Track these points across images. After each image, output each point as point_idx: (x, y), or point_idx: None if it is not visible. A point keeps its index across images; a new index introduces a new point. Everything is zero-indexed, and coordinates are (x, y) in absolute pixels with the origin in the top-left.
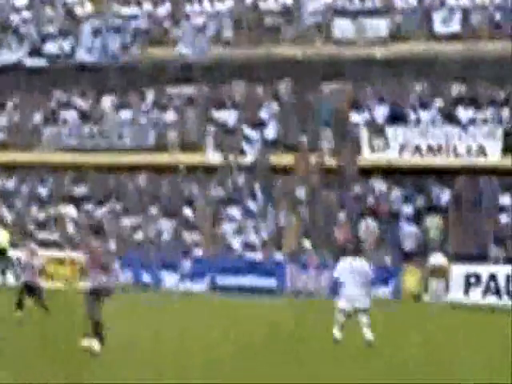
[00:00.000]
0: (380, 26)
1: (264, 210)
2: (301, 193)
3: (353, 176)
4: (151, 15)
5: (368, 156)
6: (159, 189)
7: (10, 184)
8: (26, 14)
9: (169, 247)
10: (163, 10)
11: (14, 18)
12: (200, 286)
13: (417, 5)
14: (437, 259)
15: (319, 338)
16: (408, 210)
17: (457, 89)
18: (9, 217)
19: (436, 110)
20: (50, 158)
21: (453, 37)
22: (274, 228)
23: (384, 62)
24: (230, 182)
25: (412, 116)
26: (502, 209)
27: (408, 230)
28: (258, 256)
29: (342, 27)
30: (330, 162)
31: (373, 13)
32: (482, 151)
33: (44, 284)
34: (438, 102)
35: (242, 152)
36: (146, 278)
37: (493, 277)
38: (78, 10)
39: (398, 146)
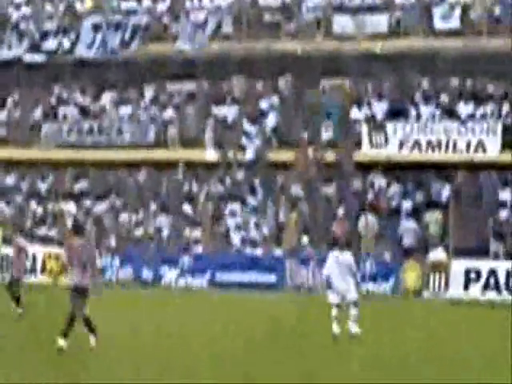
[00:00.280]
0: (380, 22)
1: (264, 206)
2: (300, 188)
3: (350, 171)
4: (151, 11)
5: (368, 151)
6: (159, 185)
7: (10, 180)
8: (26, 10)
9: (169, 243)
10: (163, 5)
11: (14, 14)
12: (200, 282)
13: (416, 0)
14: (437, 255)
15: (319, 333)
16: (408, 205)
17: (456, 84)
18: (7, 213)
19: (435, 106)
20: (50, 154)
21: (452, 32)
22: (274, 224)
23: (384, 58)
24: (229, 178)
25: (412, 111)
26: (502, 204)
27: (408, 225)
28: (257, 252)
29: (342, 23)
30: (329, 156)
31: (372, 8)
32: (481, 146)
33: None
34: (438, 98)
35: (242, 148)
36: (146, 273)
37: (493, 272)
38: (78, 6)
39: (398, 142)
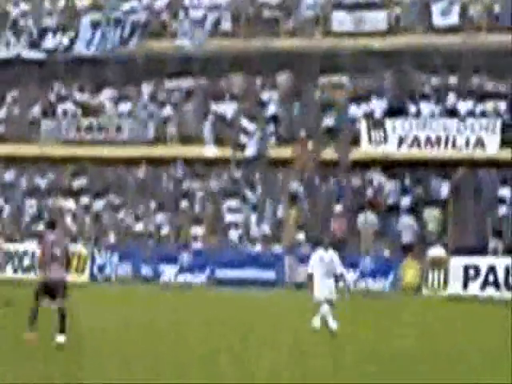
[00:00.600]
0: (378, 19)
1: (263, 203)
2: (299, 185)
3: (346, 168)
4: (150, 8)
5: (367, 148)
6: (158, 182)
7: (9, 176)
8: (25, 7)
9: (168, 240)
10: (162, 2)
11: (13, 11)
12: (199, 279)
13: None
14: (436, 251)
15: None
16: (407, 202)
17: (455, 81)
18: (6, 209)
19: (434, 103)
20: (49, 151)
21: (451, 29)
22: (273, 221)
23: (383, 55)
24: (228, 175)
25: (411, 108)
26: (501, 201)
27: (407, 222)
28: (256, 248)
29: (341, 20)
30: (327, 154)
31: (371, 5)
32: (480, 143)
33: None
34: (437, 95)
35: (241, 145)
36: (146, 270)
37: (492, 269)
38: (77, 3)
39: (397, 139)
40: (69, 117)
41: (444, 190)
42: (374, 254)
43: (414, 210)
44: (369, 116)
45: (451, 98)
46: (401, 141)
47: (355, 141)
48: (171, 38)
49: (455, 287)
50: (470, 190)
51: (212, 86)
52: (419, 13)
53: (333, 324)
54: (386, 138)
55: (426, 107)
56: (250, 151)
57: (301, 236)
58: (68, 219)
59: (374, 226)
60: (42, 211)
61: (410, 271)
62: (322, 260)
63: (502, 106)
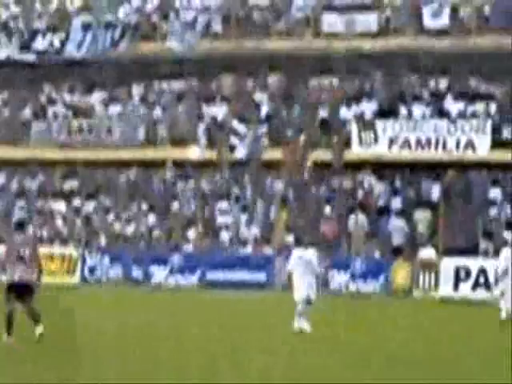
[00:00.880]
0: (369, 21)
1: (254, 205)
2: (289, 187)
3: (339, 170)
4: (140, 10)
5: (357, 150)
6: (149, 184)
7: (0, 179)
8: (16, 10)
9: (158, 242)
10: (152, 4)
11: (3, 14)
12: (190, 281)
13: None
14: (426, 253)
15: (310, 332)
16: (397, 204)
17: (446, 83)
18: None
19: (425, 104)
20: (39, 154)
21: (442, 31)
22: (264, 223)
23: (373, 56)
24: (219, 177)
25: (401, 110)
26: (491, 202)
27: (398, 224)
28: (247, 250)
29: (331, 21)
30: (318, 155)
31: (362, 7)
32: (471, 145)
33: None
34: (428, 96)
35: (232, 146)
36: (136, 272)
37: (482, 271)
38: (68, 6)
39: (388, 140)
40: (59, 119)
41: (435, 191)
42: (364, 255)
43: (405, 212)
44: (359, 117)
45: (442, 99)
46: (391, 142)
47: (346, 142)
48: (162, 39)
49: (446, 289)
50: (461, 191)
51: (203, 87)
52: (410, 15)
53: (306, 324)
54: (376, 140)
55: (416, 109)
56: (241, 153)
57: (291, 238)
58: (59, 221)
59: (365, 228)
60: (32, 213)
61: (400, 273)
62: (302, 259)
63: (493, 107)
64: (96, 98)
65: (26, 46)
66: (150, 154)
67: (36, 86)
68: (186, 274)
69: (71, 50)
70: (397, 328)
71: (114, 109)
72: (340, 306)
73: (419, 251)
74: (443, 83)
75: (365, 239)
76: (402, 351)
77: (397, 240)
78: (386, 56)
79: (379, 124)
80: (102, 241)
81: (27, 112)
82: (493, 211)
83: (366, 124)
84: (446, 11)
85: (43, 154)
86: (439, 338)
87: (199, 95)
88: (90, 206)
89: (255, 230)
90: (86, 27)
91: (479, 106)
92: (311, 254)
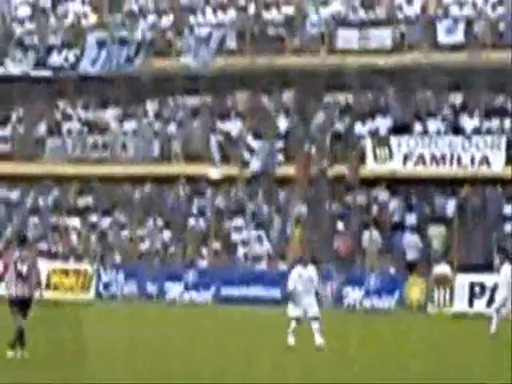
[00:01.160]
0: (384, 36)
1: (268, 221)
2: (303, 203)
3: (354, 186)
4: (155, 26)
5: (372, 166)
6: (163, 200)
7: (15, 195)
8: (30, 25)
9: (173, 258)
10: (167, 20)
11: (18, 29)
12: (205, 297)
13: (420, 15)
14: (441, 269)
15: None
16: (412, 219)
17: (461, 98)
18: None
19: (440, 120)
20: (54, 170)
21: (456, 46)
22: (279, 239)
23: (388, 72)
24: (234, 193)
25: (416, 126)
26: (506, 218)
27: (412, 239)
28: (262, 266)
29: (346, 37)
30: (333, 171)
31: (376, 23)
32: (485, 161)
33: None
34: (442, 112)
35: (247, 162)
36: (151, 288)
37: (497, 287)
38: (83, 22)
39: (402, 156)
40: (74, 135)
41: (449, 207)
42: (379, 271)
43: (420, 228)
44: (374, 134)
45: (456, 115)
46: (406, 158)
47: (361, 158)
48: (176, 56)
49: (461, 305)
50: (476, 207)
51: (217, 103)
52: (424, 30)
53: (318, 339)
54: (391, 156)
55: (431, 125)
56: (254, 168)
57: (306, 254)
58: (73, 237)
59: (379, 244)
60: (47, 229)
61: (415, 289)
62: (301, 277)
63: (507, 123)
64: (111, 113)
65: (41, 62)
66: (164, 169)
67: (51, 101)
68: (200, 290)
69: (86, 66)
70: (411, 343)
71: (129, 125)
72: (355, 322)
73: (434, 267)
74: (458, 99)
75: (379, 255)
76: (417, 366)
77: (411, 256)
78: (400, 72)
79: (394, 140)
80: (117, 257)
81: (42, 128)
82: (507, 227)
83: (380, 140)
84: (461, 27)
85: (58, 169)
86: (453, 353)
87: (214, 111)
88: (104, 222)
89: (270, 246)
90: (100, 43)
91: (494, 122)
92: (311, 271)
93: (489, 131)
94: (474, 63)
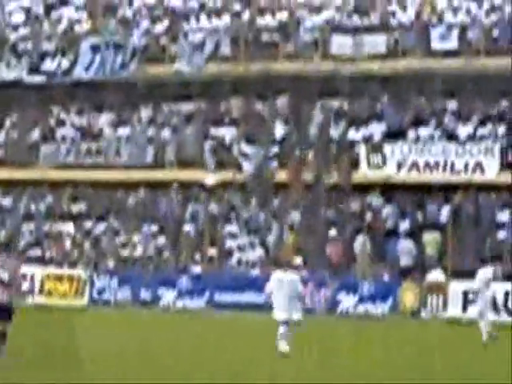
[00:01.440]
0: (378, 42)
1: (262, 227)
2: (297, 209)
3: (347, 191)
4: (149, 32)
5: (366, 172)
6: (157, 206)
7: (7, 201)
8: (24, 31)
9: (167, 264)
10: (161, 26)
11: (12, 35)
12: (198, 303)
13: (414, 21)
14: (435, 275)
15: (316, 354)
16: (406, 226)
17: (455, 105)
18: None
19: (434, 127)
20: (48, 175)
21: (450, 53)
22: (272, 244)
23: (382, 78)
24: (228, 199)
25: (410, 132)
26: (500, 225)
27: (406, 246)
28: (256, 272)
29: (340, 43)
30: (327, 177)
31: (370, 29)
32: (479, 167)
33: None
34: (436, 119)
35: (240, 169)
36: (145, 294)
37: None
38: (76, 28)
39: (396, 163)
40: (68, 141)
41: (443, 214)
42: (372, 278)
43: (413, 234)
44: (368, 140)
45: (450, 121)
46: (400, 165)
47: (354, 164)
48: (171, 62)
49: (454, 311)
50: (469, 214)
51: (211, 109)
52: (418, 37)
53: (284, 345)
54: (385, 162)
55: (424, 131)
56: (249, 175)
57: (298, 260)
58: (67, 243)
59: (373, 250)
60: (40, 235)
61: (409, 295)
62: (282, 281)
63: (501, 129)
64: (104, 119)
65: (34, 68)
66: (158, 175)
67: (45, 107)
68: (194, 296)
69: (80, 72)
70: (405, 349)
71: (123, 131)
72: (348, 328)
73: (428, 274)
74: (452, 105)
75: (370, 262)
76: (410, 372)
77: (405, 262)
78: (394, 78)
79: (388, 146)
80: (111, 263)
81: (36, 134)
82: (501, 234)
83: (374, 146)
84: (455, 33)
85: (51, 175)
86: (447, 359)
87: (207, 117)
88: (98, 228)
89: (263, 252)
90: (94, 49)
91: (488, 129)
92: (292, 276)
93: (483, 138)
94: (468, 69)
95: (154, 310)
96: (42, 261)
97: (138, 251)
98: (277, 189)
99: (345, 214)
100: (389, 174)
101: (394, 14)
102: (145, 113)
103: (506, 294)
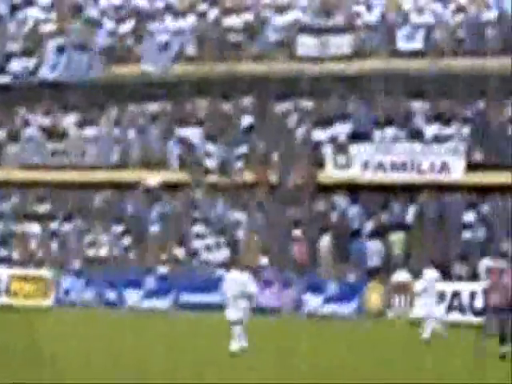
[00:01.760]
0: (343, 43)
1: (228, 227)
2: (261, 209)
3: (311, 192)
4: (114, 33)
5: (331, 173)
6: (123, 206)
7: None
8: None
9: (133, 265)
10: (126, 27)
11: None
12: (164, 303)
13: (380, 22)
14: (400, 276)
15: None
16: (371, 226)
17: (420, 105)
18: None
19: (399, 127)
20: (14, 175)
21: (416, 53)
22: (236, 245)
23: (347, 79)
24: (193, 199)
25: (375, 133)
26: (466, 226)
27: (371, 246)
28: (222, 273)
29: (306, 44)
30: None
31: (336, 30)
32: (445, 168)
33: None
34: (402, 119)
35: (206, 169)
36: (111, 295)
37: (456, 294)
38: (42, 28)
39: (362, 163)
40: (33, 141)
41: (409, 214)
42: (338, 278)
43: (379, 235)
44: (333, 140)
45: (416, 122)
46: (365, 165)
47: (320, 165)
48: (136, 62)
49: (420, 311)
50: (435, 214)
51: (177, 110)
52: (384, 37)
53: (234, 345)
54: (350, 163)
55: (390, 131)
56: (214, 175)
57: (264, 260)
58: (33, 244)
59: (338, 251)
60: (6, 236)
61: (374, 295)
62: (235, 281)
63: (467, 130)
64: (70, 120)
65: (0, 69)
66: (123, 176)
67: (10, 108)
68: (159, 297)
69: (45, 73)
70: (370, 350)
71: (88, 131)
72: (314, 329)
73: (393, 274)
74: (417, 106)
75: (333, 262)
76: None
77: (371, 262)
78: (359, 78)
79: (353, 147)
80: (77, 263)
81: (1, 134)
82: (467, 234)
83: (340, 147)
84: (420, 33)
85: (17, 176)
86: (412, 360)
87: (173, 118)
88: (64, 229)
89: (228, 253)
90: (60, 50)
91: (453, 129)
92: (245, 276)
93: (448, 138)
94: (433, 70)
95: (119, 311)
96: (7, 261)
97: (104, 252)
98: (243, 189)
99: (310, 214)
100: (354, 175)
101: (359, 14)
102: (110, 113)
103: (471, 294)
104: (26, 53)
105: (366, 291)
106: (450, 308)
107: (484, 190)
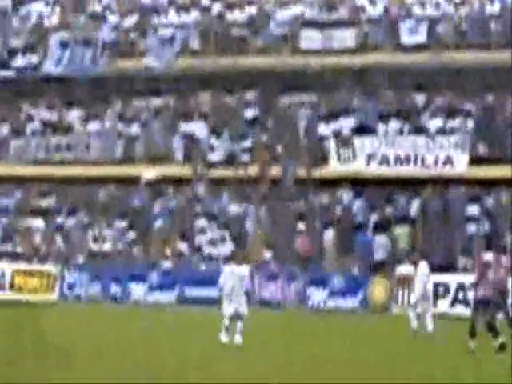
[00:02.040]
0: (347, 37)
1: (232, 221)
2: (265, 203)
3: (316, 186)
4: (119, 27)
5: (336, 166)
6: (127, 201)
7: None
8: None
9: (137, 259)
10: (130, 21)
11: None
12: (169, 297)
13: (383, 15)
14: (404, 269)
15: (290, 347)
16: (376, 220)
17: (424, 99)
18: None
19: (403, 120)
20: (18, 171)
21: (419, 47)
22: (241, 239)
23: (351, 73)
24: (197, 193)
25: (380, 126)
26: (470, 219)
27: (376, 240)
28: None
29: (310, 38)
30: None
31: (340, 23)
32: (449, 161)
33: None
34: (406, 112)
35: (210, 163)
36: (115, 289)
37: (461, 286)
38: (46, 23)
39: (366, 157)
40: (37, 136)
41: (413, 207)
42: (342, 272)
43: (383, 228)
44: (337, 134)
45: (420, 115)
46: (370, 159)
47: (324, 159)
48: (140, 56)
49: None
50: (439, 207)
51: (181, 104)
52: (387, 31)
53: (238, 338)
54: (354, 156)
55: (394, 125)
56: (218, 169)
57: (268, 254)
58: (37, 238)
59: (342, 244)
60: (10, 231)
61: (379, 289)
62: (233, 275)
63: (471, 123)
64: (74, 114)
65: (4, 64)
66: (128, 170)
67: (14, 103)
68: (164, 291)
69: (49, 67)
70: (375, 343)
71: (92, 126)
72: (319, 322)
73: (397, 267)
74: (421, 99)
75: (337, 256)
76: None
77: (375, 256)
78: (363, 72)
79: (357, 140)
80: (81, 258)
81: (5, 129)
82: (471, 227)
83: (344, 140)
84: (424, 27)
85: (21, 171)
86: (417, 353)
87: (177, 112)
88: (68, 223)
89: (233, 247)
90: (64, 44)
91: (457, 122)
92: (243, 270)
93: (452, 131)
94: (436, 63)
95: (124, 305)
96: (11, 256)
97: (109, 246)
98: (247, 183)
99: (314, 208)
100: (358, 168)
101: (363, 8)
102: (114, 108)
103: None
104: (30, 47)
105: (371, 285)
106: (454, 301)
107: (488, 184)
